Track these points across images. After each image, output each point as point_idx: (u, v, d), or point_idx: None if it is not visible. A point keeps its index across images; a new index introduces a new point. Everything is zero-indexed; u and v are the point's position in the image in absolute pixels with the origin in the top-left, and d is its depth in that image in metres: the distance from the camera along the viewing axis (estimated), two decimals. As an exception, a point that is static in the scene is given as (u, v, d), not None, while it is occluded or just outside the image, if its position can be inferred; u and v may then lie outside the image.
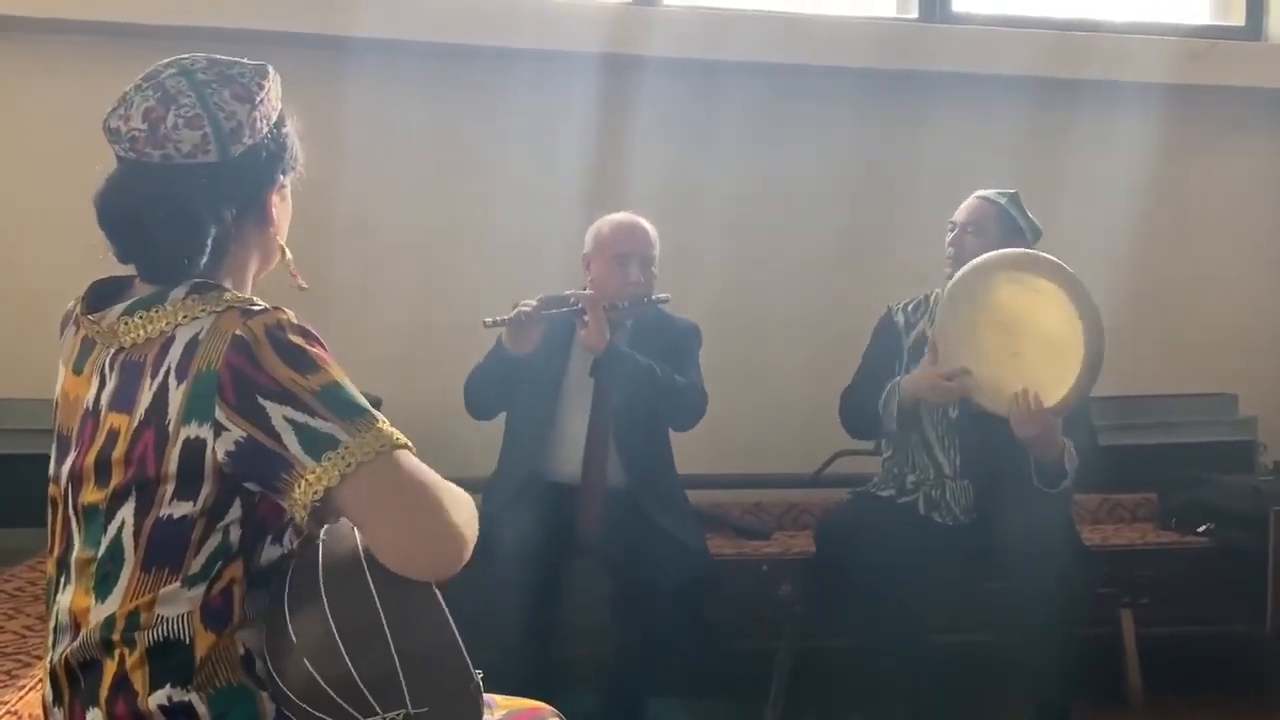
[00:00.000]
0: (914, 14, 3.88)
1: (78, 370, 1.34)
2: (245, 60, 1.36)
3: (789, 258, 3.73)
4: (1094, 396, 2.97)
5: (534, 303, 2.70)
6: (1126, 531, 3.37)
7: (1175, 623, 3.16)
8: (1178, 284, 3.96)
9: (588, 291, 2.81)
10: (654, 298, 2.87)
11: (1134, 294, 3.80)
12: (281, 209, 1.41)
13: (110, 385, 1.29)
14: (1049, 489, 2.70)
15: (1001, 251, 2.74)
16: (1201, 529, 3.21)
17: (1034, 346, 2.64)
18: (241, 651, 1.25)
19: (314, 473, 1.19)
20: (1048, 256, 2.69)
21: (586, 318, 2.72)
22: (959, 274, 2.74)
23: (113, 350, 1.30)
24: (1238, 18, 4.09)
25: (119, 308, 1.30)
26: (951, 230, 2.93)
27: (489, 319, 2.67)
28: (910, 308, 3.01)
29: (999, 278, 2.67)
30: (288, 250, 1.44)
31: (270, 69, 1.38)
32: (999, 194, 2.91)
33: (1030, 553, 2.58)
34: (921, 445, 2.90)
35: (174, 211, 1.29)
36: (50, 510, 1.35)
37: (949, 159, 3.69)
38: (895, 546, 2.69)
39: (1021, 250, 2.74)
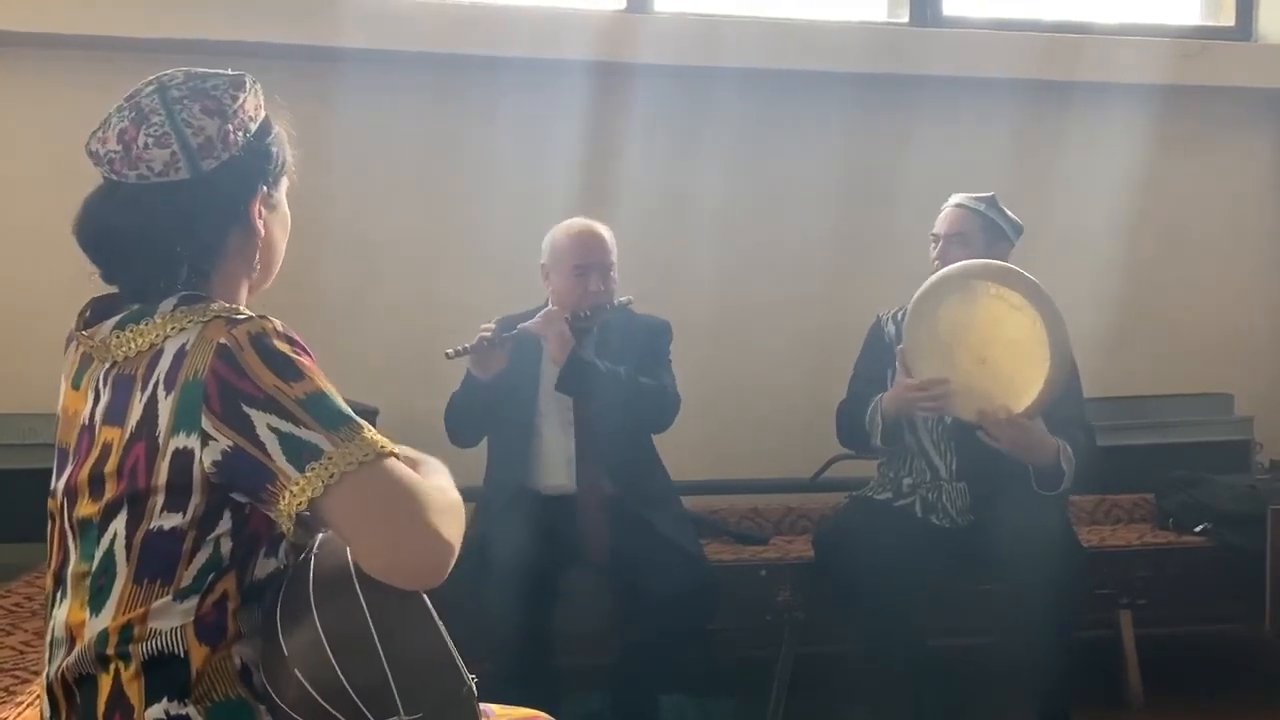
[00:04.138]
0: (905, 18, 3.89)
1: (76, 385, 1.35)
2: (225, 72, 1.36)
3: (783, 262, 3.73)
4: (1089, 397, 2.99)
5: (493, 326, 2.71)
6: (1124, 532, 3.37)
7: (1174, 623, 3.16)
8: (1172, 284, 3.97)
9: (547, 310, 2.81)
10: (616, 303, 2.86)
11: (1128, 295, 3.82)
12: (272, 219, 1.41)
13: (104, 399, 1.29)
14: (1048, 492, 2.70)
15: (963, 263, 2.74)
16: (1199, 529, 3.21)
17: (1001, 352, 2.64)
18: (238, 665, 1.25)
19: (298, 484, 1.19)
20: (1007, 265, 2.69)
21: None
22: (921, 289, 2.74)
23: (107, 365, 1.30)
24: (1228, 18, 4.11)
25: (111, 322, 1.30)
26: (935, 243, 2.93)
27: (450, 350, 2.67)
28: (900, 316, 3.01)
29: (963, 287, 2.67)
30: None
31: (248, 79, 1.37)
32: (976, 199, 2.92)
33: (1027, 554, 2.58)
34: (917, 449, 2.91)
35: (147, 231, 1.29)
36: (49, 524, 1.35)
37: (942, 163, 3.69)
38: (893, 550, 2.69)
39: (981, 261, 2.74)
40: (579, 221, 2.90)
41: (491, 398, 2.76)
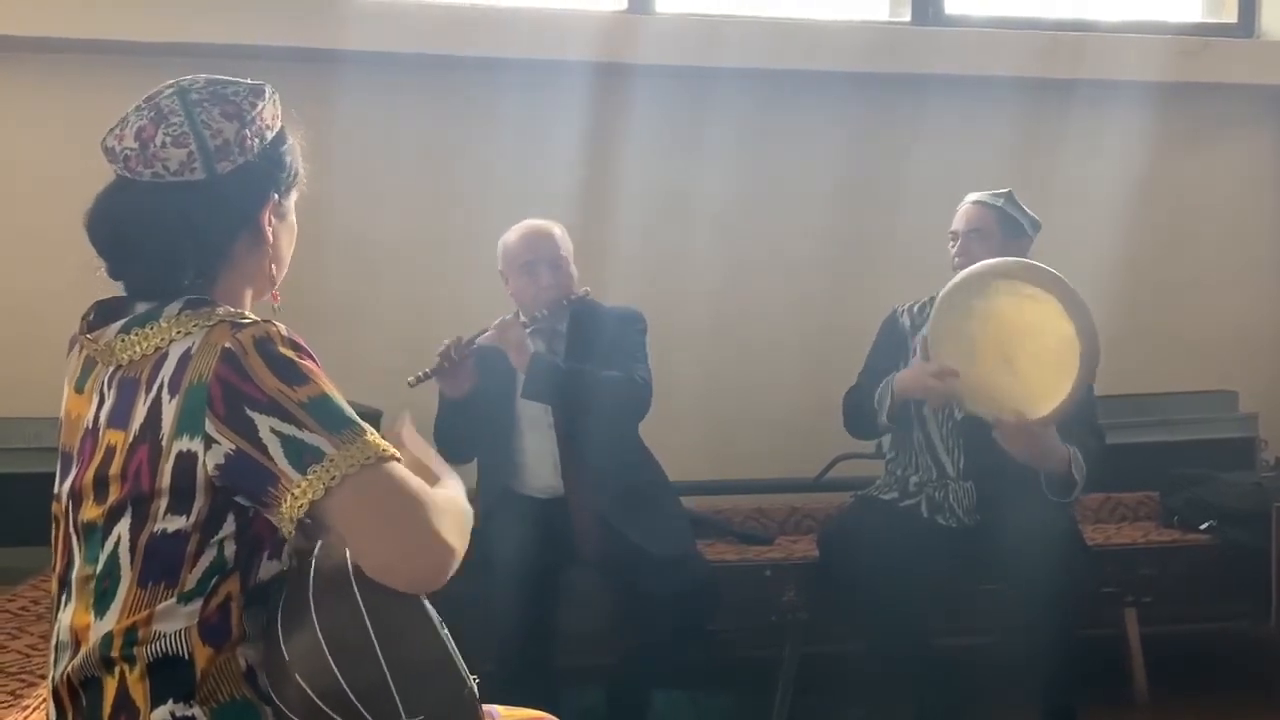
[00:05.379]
0: (907, 17, 3.89)
1: (79, 389, 1.35)
2: (244, 79, 1.37)
3: (784, 262, 3.73)
4: (1095, 398, 2.98)
5: (449, 343, 2.70)
6: (1129, 530, 3.36)
7: (1179, 621, 3.15)
8: (1175, 282, 3.97)
9: (503, 319, 2.78)
10: (572, 297, 2.83)
11: (1132, 292, 3.81)
12: (280, 228, 1.41)
13: (109, 403, 1.30)
14: (1060, 499, 2.70)
15: (999, 259, 2.74)
16: (1204, 526, 3.20)
17: (1028, 355, 2.63)
18: (243, 666, 1.25)
19: (299, 486, 1.19)
20: (1045, 267, 2.67)
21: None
22: (955, 279, 2.73)
23: (111, 368, 1.31)
24: (1230, 15, 4.10)
25: (116, 326, 1.31)
26: (954, 240, 2.93)
27: (411, 378, 2.67)
28: (916, 309, 3.02)
29: (996, 285, 2.66)
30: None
31: (267, 88, 1.38)
32: (994, 196, 2.92)
33: (1033, 554, 2.58)
34: (925, 446, 2.91)
35: (157, 228, 1.30)
36: (53, 528, 1.35)
37: (944, 161, 3.69)
38: (898, 550, 2.69)
39: (1018, 259, 2.73)
40: (525, 222, 2.89)
41: (471, 414, 2.75)
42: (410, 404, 3.01)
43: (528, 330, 2.77)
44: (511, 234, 2.88)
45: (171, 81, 1.35)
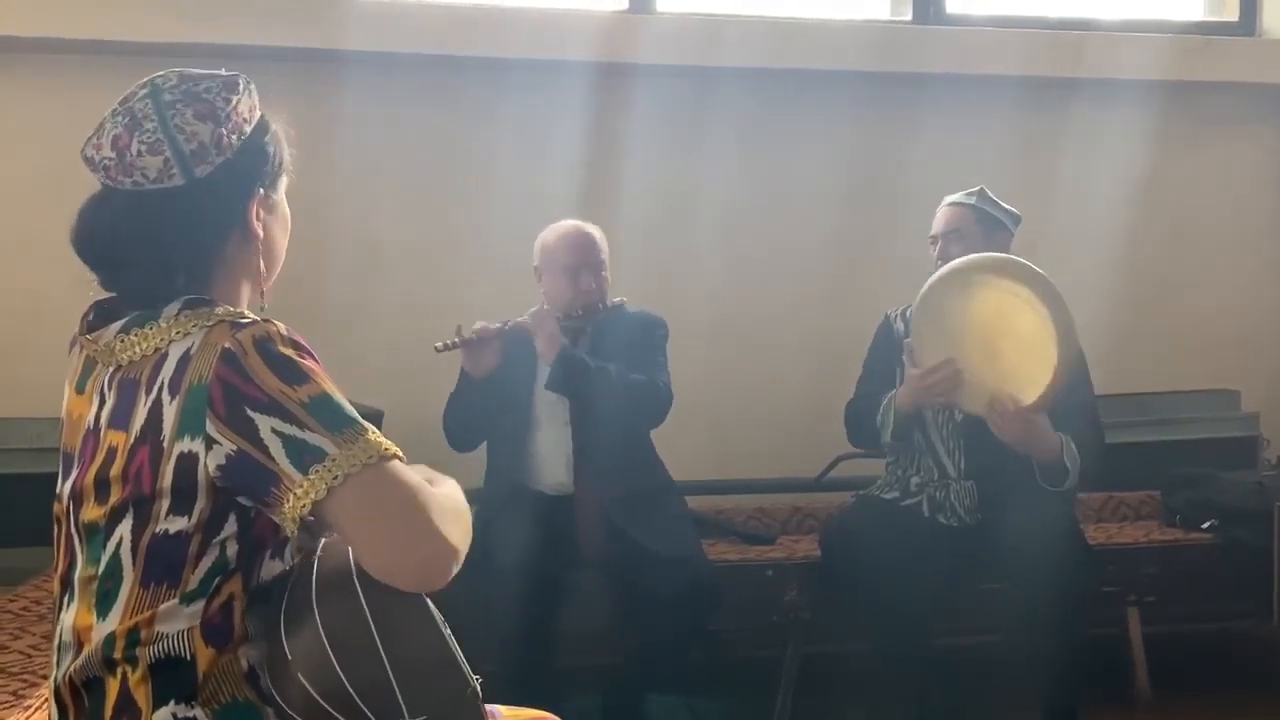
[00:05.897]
0: (908, 16, 3.88)
1: (80, 389, 1.35)
2: (219, 73, 1.34)
3: (786, 262, 3.73)
4: (1095, 394, 2.98)
5: (485, 324, 2.73)
6: (1130, 530, 3.36)
7: (1181, 620, 3.15)
8: (1177, 280, 3.96)
9: (538, 308, 2.82)
10: (609, 303, 2.88)
11: (1134, 291, 3.81)
12: (270, 220, 1.40)
13: (109, 404, 1.29)
14: (1053, 488, 2.70)
15: (969, 256, 2.76)
16: (1206, 526, 3.20)
17: (1011, 346, 2.65)
18: (245, 667, 1.25)
19: (301, 486, 1.19)
20: (1015, 258, 2.69)
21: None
22: (930, 281, 2.75)
23: (111, 369, 1.30)
24: (1231, 13, 4.10)
25: (115, 326, 1.30)
26: (934, 244, 2.95)
27: (439, 344, 2.70)
28: (908, 313, 3.02)
29: (970, 281, 2.68)
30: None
31: (241, 80, 1.36)
32: (966, 195, 2.94)
33: (1034, 553, 2.58)
34: (925, 447, 2.91)
35: (144, 238, 1.29)
36: (55, 528, 1.35)
37: (945, 160, 3.69)
38: (900, 550, 2.69)
39: (988, 254, 2.75)
40: (568, 222, 2.92)
41: (487, 398, 2.78)
42: (413, 402, 3.04)
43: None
44: (552, 233, 2.89)
45: (145, 80, 1.33)
